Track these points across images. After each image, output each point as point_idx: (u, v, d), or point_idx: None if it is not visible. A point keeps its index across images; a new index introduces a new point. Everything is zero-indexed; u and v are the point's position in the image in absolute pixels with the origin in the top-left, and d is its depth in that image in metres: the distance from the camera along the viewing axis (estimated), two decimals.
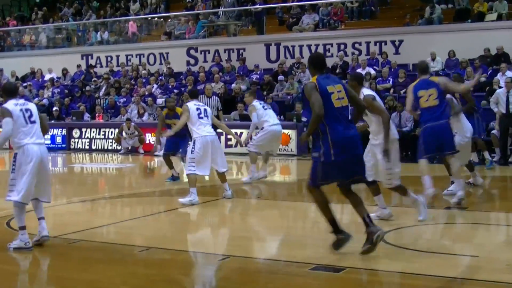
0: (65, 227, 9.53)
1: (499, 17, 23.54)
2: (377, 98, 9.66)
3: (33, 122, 8.54)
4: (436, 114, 10.85)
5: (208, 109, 12.65)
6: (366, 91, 9.52)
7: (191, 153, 12.14)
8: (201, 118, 12.27)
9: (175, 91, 25.95)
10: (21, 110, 8.47)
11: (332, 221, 7.85)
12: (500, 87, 20.04)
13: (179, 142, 14.99)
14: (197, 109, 12.34)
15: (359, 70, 23.48)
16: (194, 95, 13.04)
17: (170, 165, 15.53)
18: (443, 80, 11.33)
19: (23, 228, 8.47)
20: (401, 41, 24.51)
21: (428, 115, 10.92)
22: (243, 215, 11.67)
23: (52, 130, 25.68)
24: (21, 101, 8.67)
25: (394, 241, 8.75)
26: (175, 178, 15.64)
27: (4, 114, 8.41)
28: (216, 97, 20.37)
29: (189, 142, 12.65)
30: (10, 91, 8.74)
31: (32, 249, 8.31)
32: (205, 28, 29.41)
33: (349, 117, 7.84)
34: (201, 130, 12.18)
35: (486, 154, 17.11)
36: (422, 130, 11.08)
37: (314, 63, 8.08)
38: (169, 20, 31.23)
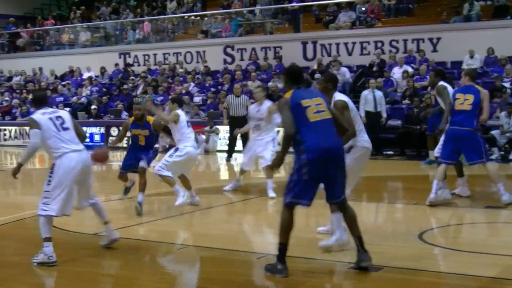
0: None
1: None
2: (351, 106, 8.30)
3: (66, 129, 8.17)
4: (464, 119, 10.94)
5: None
6: (338, 96, 8.26)
7: (170, 157, 11.48)
8: (189, 127, 11.68)
9: (212, 89, 26.01)
10: (50, 118, 8.10)
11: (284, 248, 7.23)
12: None
13: (140, 156, 12.12)
14: (186, 120, 11.74)
15: (396, 68, 23.39)
16: (181, 103, 12.31)
17: (125, 179, 12.96)
18: (485, 93, 11.35)
19: (48, 239, 7.93)
20: (439, 39, 24.30)
21: (456, 118, 11.04)
22: (278, 214, 11.66)
23: (90, 128, 25.96)
24: (50, 109, 8.31)
25: (432, 241, 8.69)
26: (127, 190, 13.21)
27: (32, 125, 8.09)
28: (246, 96, 20.38)
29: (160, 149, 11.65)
30: (38, 101, 8.41)
31: (56, 264, 7.87)
32: (241, 26, 29.44)
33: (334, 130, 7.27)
34: (189, 141, 11.64)
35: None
36: (446, 132, 11.24)
37: (290, 75, 7.46)
38: (206, 18, 31.31)
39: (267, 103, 13.09)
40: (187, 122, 11.68)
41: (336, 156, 7.15)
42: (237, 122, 19.89)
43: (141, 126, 12.06)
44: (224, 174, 18.74)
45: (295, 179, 7.12)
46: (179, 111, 11.63)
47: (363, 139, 8.47)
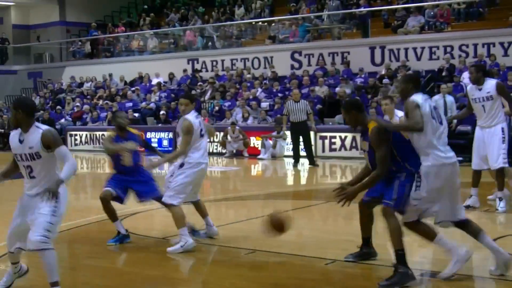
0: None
1: None
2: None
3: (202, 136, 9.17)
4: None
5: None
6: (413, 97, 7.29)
7: (180, 177, 9.10)
8: (202, 136, 9.23)
9: (280, 94, 26.05)
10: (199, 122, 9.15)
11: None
12: None
13: (128, 182, 9.68)
14: (199, 123, 9.27)
15: (466, 73, 23.04)
16: (193, 99, 9.54)
17: (113, 215, 9.52)
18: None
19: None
20: (510, 43, 23.88)
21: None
22: (346, 219, 11.61)
23: (159, 133, 26.28)
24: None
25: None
26: (122, 238, 9.46)
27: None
28: (305, 101, 20.41)
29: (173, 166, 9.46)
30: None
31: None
32: (309, 31, 29.43)
33: None
34: (201, 154, 9.21)
35: None
36: None
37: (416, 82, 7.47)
38: (273, 24, 31.39)
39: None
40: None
41: None
42: (298, 128, 19.94)
43: (124, 138, 9.77)
44: (290, 180, 18.74)
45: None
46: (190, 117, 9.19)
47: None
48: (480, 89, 10.80)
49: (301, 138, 20.20)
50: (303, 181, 18.56)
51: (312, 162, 20.10)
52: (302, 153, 20.39)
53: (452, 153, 7.32)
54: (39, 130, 6.64)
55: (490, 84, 10.82)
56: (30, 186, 6.74)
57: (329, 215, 12.12)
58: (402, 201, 7.07)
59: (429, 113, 7.08)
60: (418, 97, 7.11)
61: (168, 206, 9.06)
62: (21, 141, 6.66)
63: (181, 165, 9.03)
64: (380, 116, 10.60)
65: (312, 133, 21.09)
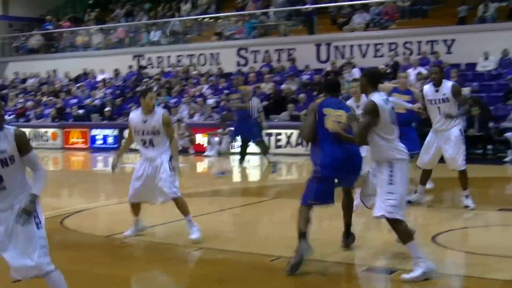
0: (117, 226, 9.62)
1: None
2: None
3: None
4: None
5: None
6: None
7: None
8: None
9: (226, 91, 26.01)
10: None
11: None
12: None
13: None
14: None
15: (410, 70, 23.30)
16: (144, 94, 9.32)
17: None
18: None
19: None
20: (453, 40, 24.21)
21: None
22: (292, 216, 11.63)
23: (104, 130, 26.06)
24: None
25: (445, 243, 8.65)
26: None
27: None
28: (257, 98, 20.23)
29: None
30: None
31: None
32: (255, 28, 29.44)
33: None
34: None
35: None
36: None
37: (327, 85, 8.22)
38: (220, 20, 31.35)
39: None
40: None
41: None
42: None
43: None
44: (236, 176, 18.72)
45: None
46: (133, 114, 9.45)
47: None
48: (437, 91, 10.72)
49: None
50: (249, 178, 18.57)
51: (267, 158, 19.91)
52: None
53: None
54: (9, 129, 5.59)
55: (447, 86, 10.75)
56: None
57: (275, 212, 12.13)
58: None
59: (388, 117, 7.07)
60: (379, 99, 7.08)
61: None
62: None
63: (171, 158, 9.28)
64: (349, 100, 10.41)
65: None
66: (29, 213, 5.47)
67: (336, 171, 7.74)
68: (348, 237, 8.39)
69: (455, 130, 10.81)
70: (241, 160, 19.92)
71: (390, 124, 7.08)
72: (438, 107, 10.75)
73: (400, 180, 7.00)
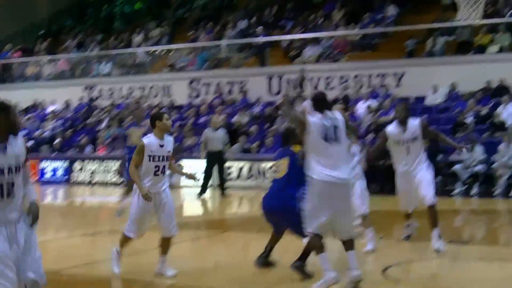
0: (66, 261, 9.46)
1: (501, 49, 23.57)
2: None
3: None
4: None
5: None
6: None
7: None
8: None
9: (177, 123, 25.93)
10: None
11: None
12: (502, 121, 20.09)
13: None
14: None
15: (361, 103, 23.52)
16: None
17: None
18: None
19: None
20: (403, 74, 24.52)
21: None
22: (244, 248, 11.58)
23: (53, 162, 25.75)
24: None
25: (396, 276, 8.68)
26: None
27: None
28: (223, 129, 20.22)
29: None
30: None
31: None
32: (207, 60, 29.47)
33: None
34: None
35: None
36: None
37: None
38: (172, 52, 31.32)
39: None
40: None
41: None
42: (214, 157, 19.70)
43: None
44: (187, 210, 18.61)
45: None
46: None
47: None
48: (404, 130, 10.33)
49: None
50: (199, 211, 18.48)
51: (223, 192, 19.87)
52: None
53: (338, 173, 7.61)
54: (20, 136, 5.68)
55: (414, 123, 10.40)
56: (9, 209, 5.55)
57: (227, 245, 12.05)
58: None
59: (318, 132, 7.58)
60: (313, 117, 7.45)
61: None
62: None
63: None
64: None
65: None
66: (36, 217, 5.61)
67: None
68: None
69: (424, 166, 10.45)
70: (202, 193, 19.72)
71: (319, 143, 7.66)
72: (408, 147, 10.35)
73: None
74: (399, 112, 10.50)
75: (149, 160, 8.71)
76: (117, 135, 26.22)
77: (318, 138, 7.59)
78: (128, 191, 14.96)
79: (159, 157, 8.75)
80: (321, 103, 7.97)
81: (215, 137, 19.58)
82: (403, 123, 10.36)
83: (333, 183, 7.54)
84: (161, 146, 8.77)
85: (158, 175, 8.79)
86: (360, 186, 10.19)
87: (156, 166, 8.76)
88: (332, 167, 7.57)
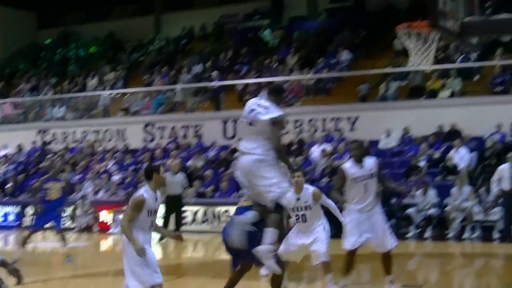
0: None
1: (452, 94, 23.92)
2: None
3: None
4: None
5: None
6: None
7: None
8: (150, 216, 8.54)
9: (132, 167, 25.79)
10: None
11: None
12: (454, 165, 20.34)
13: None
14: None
15: (315, 147, 23.61)
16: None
17: None
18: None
19: None
20: (356, 118, 24.71)
21: None
22: None
23: (5, 207, 25.35)
24: None
25: None
26: None
27: None
28: (182, 173, 20.09)
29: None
30: None
31: None
32: (162, 104, 29.40)
33: None
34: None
35: None
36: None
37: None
38: (127, 96, 31.21)
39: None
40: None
41: None
42: (173, 201, 19.53)
43: None
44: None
45: None
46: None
47: None
48: (361, 167, 10.34)
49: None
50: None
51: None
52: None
53: None
54: None
55: (370, 161, 10.49)
56: None
57: None
58: None
59: None
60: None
61: None
62: None
63: None
64: None
65: None
66: None
67: None
68: None
69: (379, 207, 10.46)
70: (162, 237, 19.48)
71: None
72: (365, 184, 10.30)
73: None
74: (355, 150, 10.52)
75: (148, 215, 8.40)
76: (70, 180, 25.96)
77: None
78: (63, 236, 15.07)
79: (154, 211, 8.50)
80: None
81: (174, 181, 19.50)
82: (359, 161, 10.38)
83: None
84: (156, 199, 8.51)
85: (150, 228, 8.53)
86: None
87: (152, 221, 8.49)
88: None
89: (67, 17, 41.05)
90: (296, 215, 9.94)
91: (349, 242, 10.43)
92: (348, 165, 10.50)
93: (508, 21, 10.17)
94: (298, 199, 9.86)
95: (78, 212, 23.21)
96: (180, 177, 19.67)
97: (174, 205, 19.62)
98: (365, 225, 10.33)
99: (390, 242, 10.36)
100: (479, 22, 9.85)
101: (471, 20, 9.79)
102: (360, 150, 10.48)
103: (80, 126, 30.35)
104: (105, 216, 23.47)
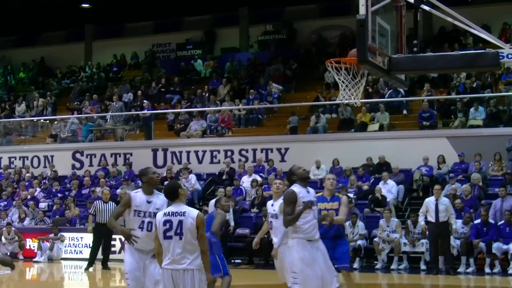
0: None
1: (381, 128, 24.34)
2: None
3: None
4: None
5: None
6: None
7: None
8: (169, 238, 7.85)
9: (59, 195, 25.42)
10: None
11: None
12: (382, 196, 20.63)
13: None
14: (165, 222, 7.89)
15: (245, 177, 23.70)
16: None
17: None
18: None
19: None
20: (287, 149, 24.89)
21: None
22: None
23: None
24: None
25: None
26: None
27: None
28: (113, 203, 19.88)
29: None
30: None
31: None
32: (92, 131, 29.11)
33: None
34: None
35: None
36: None
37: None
38: (55, 122, 30.82)
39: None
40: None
41: None
42: (104, 230, 19.26)
43: None
44: (68, 284, 18.11)
45: None
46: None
47: None
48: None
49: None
50: (81, 285, 18.02)
51: (106, 266, 19.44)
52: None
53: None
54: None
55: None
56: None
57: None
58: None
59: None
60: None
61: None
62: None
63: None
64: None
65: None
66: None
67: None
68: None
69: (321, 242, 9.87)
70: (90, 266, 19.25)
71: None
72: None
73: None
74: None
75: (135, 215, 8.71)
76: None
77: None
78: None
79: (144, 213, 8.71)
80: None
81: (106, 209, 19.35)
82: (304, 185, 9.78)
83: None
84: (149, 202, 8.74)
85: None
86: None
87: (142, 221, 8.69)
88: None
89: None
90: (270, 221, 10.80)
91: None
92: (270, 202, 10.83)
93: (434, 59, 10.46)
94: (272, 205, 10.81)
95: (3, 239, 22.70)
96: (112, 205, 19.46)
97: (104, 233, 19.42)
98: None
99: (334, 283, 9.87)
100: (406, 59, 10.07)
101: (399, 57, 10.00)
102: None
103: (6, 152, 29.76)
104: (31, 243, 23.04)
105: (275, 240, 10.74)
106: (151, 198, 8.69)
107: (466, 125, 23.45)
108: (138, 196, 8.71)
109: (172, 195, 7.89)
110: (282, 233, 10.44)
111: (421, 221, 18.30)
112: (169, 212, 7.72)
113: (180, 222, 7.63)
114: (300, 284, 9.38)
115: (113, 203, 19.72)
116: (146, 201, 8.65)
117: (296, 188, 9.60)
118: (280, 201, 10.33)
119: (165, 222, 7.69)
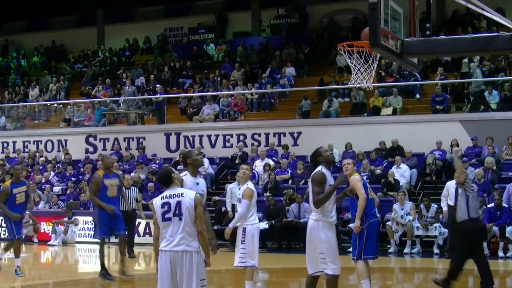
0: None
1: (394, 112, 24.32)
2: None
3: None
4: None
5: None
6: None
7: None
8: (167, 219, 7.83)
9: (73, 179, 25.56)
10: None
11: None
12: (395, 180, 20.64)
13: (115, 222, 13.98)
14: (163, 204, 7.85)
15: (258, 161, 23.75)
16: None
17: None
18: None
19: None
20: (299, 133, 24.93)
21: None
22: None
23: None
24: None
25: None
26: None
27: None
28: (135, 188, 19.79)
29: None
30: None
31: None
32: (105, 116, 29.20)
33: None
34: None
35: None
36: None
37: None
38: (69, 106, 30.94)
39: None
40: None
41: None
42: (126, 216, 19.20)
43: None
44: (82, 267, 18.23)
45: None
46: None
47: None
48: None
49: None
50: (96, 268, 18.10)
51: (131, 254, 19.17)
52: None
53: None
54: None
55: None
56: None
57: None
58: None
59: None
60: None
61: None
62: None
63: None
64: None
65: None
66: None
67: None
68: None
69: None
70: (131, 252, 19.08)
71: None
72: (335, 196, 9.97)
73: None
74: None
75: None
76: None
77: None
78: (8, 247, 14.77)
79: None
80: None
81: (128, 195, 19.23)
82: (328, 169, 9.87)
83: None
84: (197, 184, 8.89)
85: None
86: None
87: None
88: None
89: (7, 26, 40.57)
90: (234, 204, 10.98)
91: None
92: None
93: (446, 42, 10.39)
94: (238, 189, 11.14)
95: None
96: (134, 191, 19.30)
97: (127, 219, 19.37)
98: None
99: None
100: (419, 43, 10.02)
101: (411, 41, 9.95)
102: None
103: (20, 136, 29.94)
104: (45, 227, 23.21)
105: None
106: (197, 179, 8.92)
107: (479, 109, 23.40)
108: (188, 179, 8.79)
109: (166, 181, 7.87)
110: (239, 215, 10.63)
111: (444, 206, 18.06)
112: (166, 195, 7.73)
113: (179, 203, 7.66)
114: (330, 262, 9.57)
115: (136, 189, 19.56)
116: (195, 182, 8.82)
117: (323, 170, 9.76)
118: (245, 186, 10.67)
119: (163, 205, 7.70)
